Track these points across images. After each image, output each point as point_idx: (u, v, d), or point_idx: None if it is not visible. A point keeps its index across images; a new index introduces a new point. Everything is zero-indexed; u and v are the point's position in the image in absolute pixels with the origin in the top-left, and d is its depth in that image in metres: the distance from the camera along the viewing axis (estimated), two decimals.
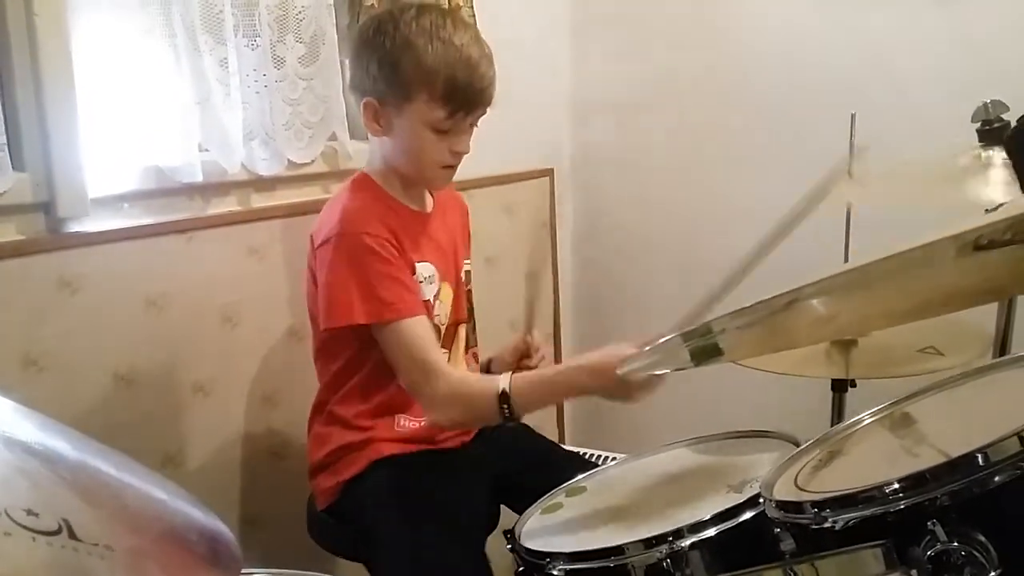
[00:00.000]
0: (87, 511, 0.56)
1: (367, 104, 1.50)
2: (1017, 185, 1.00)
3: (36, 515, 0.52)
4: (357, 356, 1.54)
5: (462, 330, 1.67)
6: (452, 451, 1.62)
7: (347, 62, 1.59)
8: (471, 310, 1.74)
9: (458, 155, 1.53)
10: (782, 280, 1.02)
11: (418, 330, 1.45)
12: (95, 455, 0.64)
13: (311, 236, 1.54)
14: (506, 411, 1.39)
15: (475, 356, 1.79)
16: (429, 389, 1.44)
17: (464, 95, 1.46)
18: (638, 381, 1.34)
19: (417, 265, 1.52)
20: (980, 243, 0.84)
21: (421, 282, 1.52)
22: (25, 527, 0.51)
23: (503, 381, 1.41)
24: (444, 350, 1.61)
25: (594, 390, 1.41)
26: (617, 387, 1.36)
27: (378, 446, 1.55)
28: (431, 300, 1.54)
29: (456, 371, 1.48)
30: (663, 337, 1.17)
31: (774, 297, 0.98)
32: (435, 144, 1.49)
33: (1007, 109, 1.55)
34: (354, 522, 1.55)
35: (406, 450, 1.57)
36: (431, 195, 1.66)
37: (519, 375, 1.45)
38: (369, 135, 1.58)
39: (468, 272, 1.72)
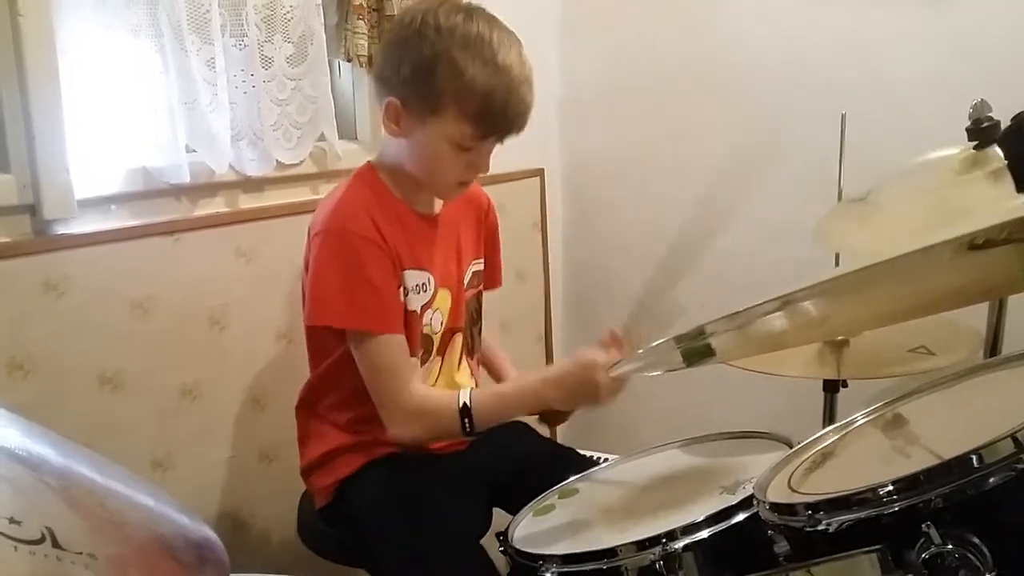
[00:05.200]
0: (71, 519, 0.56)
1: (390, 104, 1.43)
2: (1013, 183, 1.00)
3: (19, 523, 0.51)
4: (348, 355, 1.50)
5: (458, 338, 1.62)
6: (448, 455, 1.60)
7: (382, 50, 1.53)
8: (479, 312, 1.70)
9: (476, 173, 1.49)
10: (773, 282, 1.01)
11: (391, 346, 1.43)
12: (81, 461, 0.63)
13: (308, 227, 1.50)
14: (467, 426, 1.39)
15: (478, 362, 1.73)
16: (392, 405, 1.44)
17: (497, 120, 1.40)
18: (604, 386, 1.33)
19: (408, 272, 1.48)
20: (976, 243, 0.83)
21: (409, 292, 1.48)
22: (7, 536, 0.50)
23: (464, 395, 1.40)
24: (437, 358, 1.58)
25: (558, 401, 1.41)
26: (583, 396, 1.36)
27: (375, 448, 1.54)
28: (417, 311, 1.50)
29: (420, 387, 1.46)
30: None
31: (767, 301, 0.98)
32: (453, 160, 1.44)
33: (990, 109, 1.55)
34: (351, 521, 1.53)
35: (403, 450, 1.55)
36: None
37: (479, 390, 1.45)
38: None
39: (476, 274, 1.66)
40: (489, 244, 1.72)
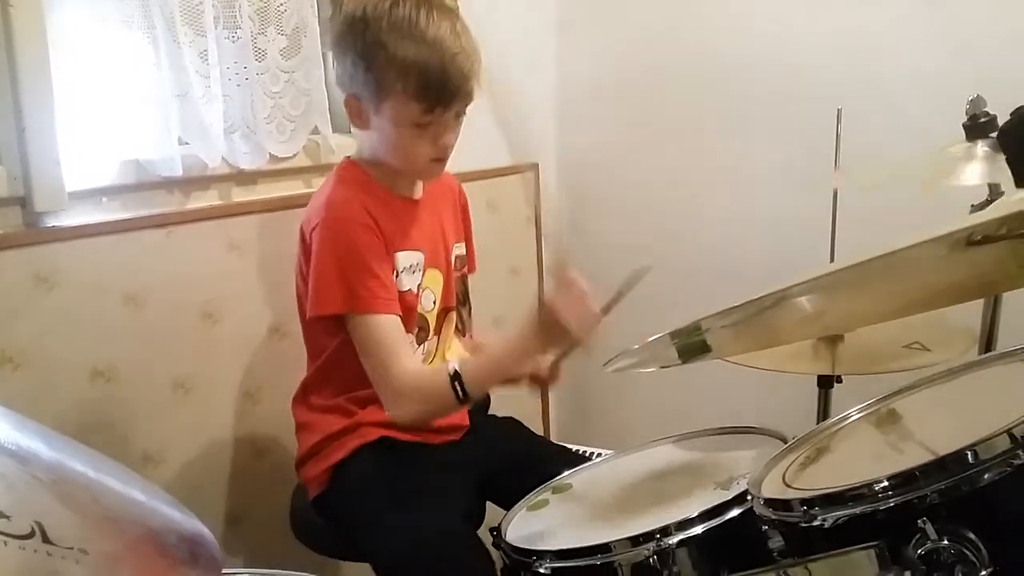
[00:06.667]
0: (62, 513, 0.55)
1: (348, 101, 1.50)
2: (1012, 178, 0.99)
3: (8, 518, 0.51)
4: (344, 348, 1.52)
5: (452, 316, 1.66)
6: (442, 445, 1.61)
7: (332, 54, 1.59)
8: (466, 294, 1.73)
9: (444, 148, 1.51)
10: (770, 278, 1.01)
11: (387, 328, 1.46)
12: (72, 455, 0.63)
13: (300, 228, 1.54)
14: (460, 393, 1.40)
15: (470, 343, 1.76)
16: (387, 385, 1.46)
17: (439, 89, 1.43)
18: (580, 324, 1.31)
19: (400, 255, 1.52)
20: (973, 238, 0.83)
21: (402, 272, 1.52)
22: None
23: (452, 363, 1.42)
24: (434, 337, 1.61)
25: (541, 345, 1.40)
26: (557, 335, 1.34)
27: (365, 430, 1.55)
28: (414, 290, 1.54)
29: (414, 365, 1.48)
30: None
31: (762, 296, 0.98)
32: (417, 139, 1.48)
33: (986, 104, 1.56)
34: (344, 507, 1.53)
35: (394, 435, 1.55)
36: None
37: (468, 357, 1.48)
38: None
39: (460, 257, 1.70)
40: (464, 227, 1.76)
